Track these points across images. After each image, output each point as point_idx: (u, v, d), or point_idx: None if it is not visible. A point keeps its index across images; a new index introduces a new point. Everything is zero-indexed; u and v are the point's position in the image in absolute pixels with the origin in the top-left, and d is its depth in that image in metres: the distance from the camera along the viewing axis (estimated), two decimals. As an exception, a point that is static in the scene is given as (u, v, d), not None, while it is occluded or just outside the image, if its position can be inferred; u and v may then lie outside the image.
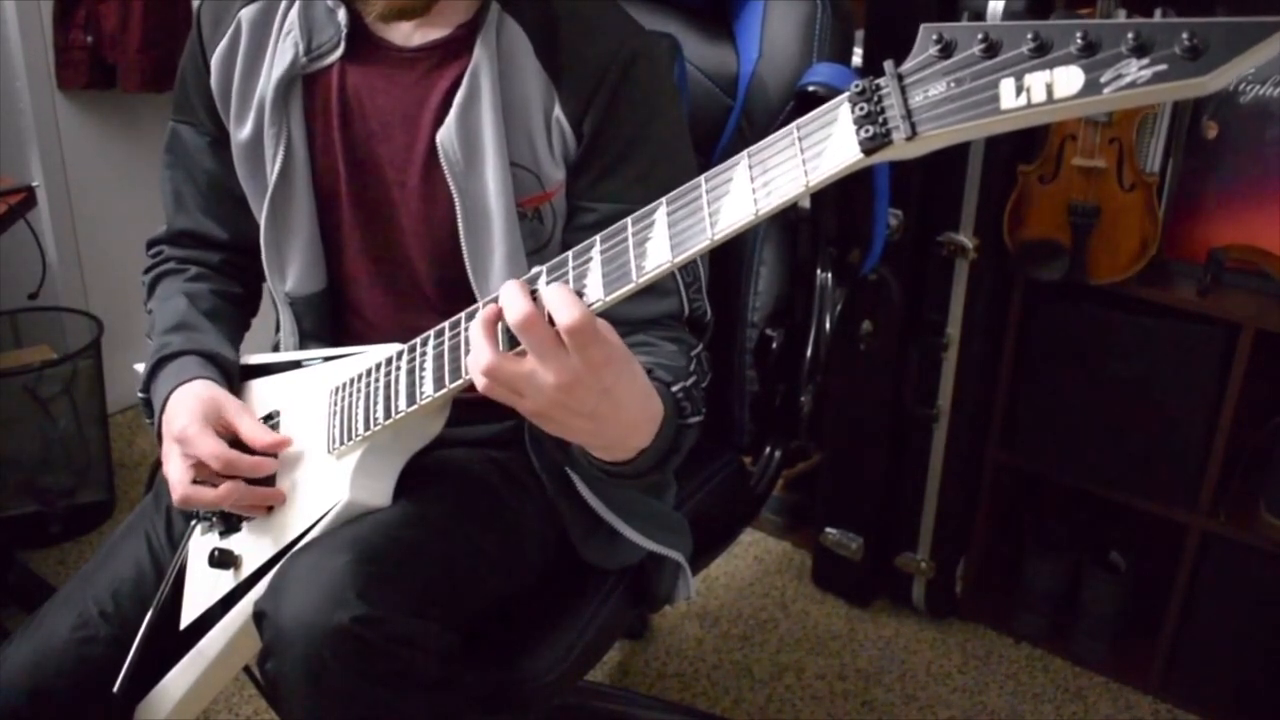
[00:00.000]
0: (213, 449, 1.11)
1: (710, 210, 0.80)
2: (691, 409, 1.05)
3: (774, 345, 1.49)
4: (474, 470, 1.25)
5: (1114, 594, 2.02)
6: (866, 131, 0.71)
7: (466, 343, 0.99)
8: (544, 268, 0.90)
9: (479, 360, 0.89)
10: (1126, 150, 1.75)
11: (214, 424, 1.14)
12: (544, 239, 1.19)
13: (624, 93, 1.14)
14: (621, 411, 0.92)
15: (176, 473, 1.13)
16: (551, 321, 0.84)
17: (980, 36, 0.67)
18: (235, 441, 1.15)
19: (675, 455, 1.03)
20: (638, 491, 1.29)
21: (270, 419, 1.20)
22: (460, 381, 1.01)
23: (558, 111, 1.15)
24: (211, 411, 1.15)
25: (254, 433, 1.14)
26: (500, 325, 0.89)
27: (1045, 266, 1.85)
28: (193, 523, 1.23)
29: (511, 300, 0.85)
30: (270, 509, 1.16)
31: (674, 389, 1.04)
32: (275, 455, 1.16)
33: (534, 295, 0.87)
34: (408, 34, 1.17)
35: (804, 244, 1.51)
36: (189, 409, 1.14)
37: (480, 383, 0.90)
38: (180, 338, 1.23)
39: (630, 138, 1.15)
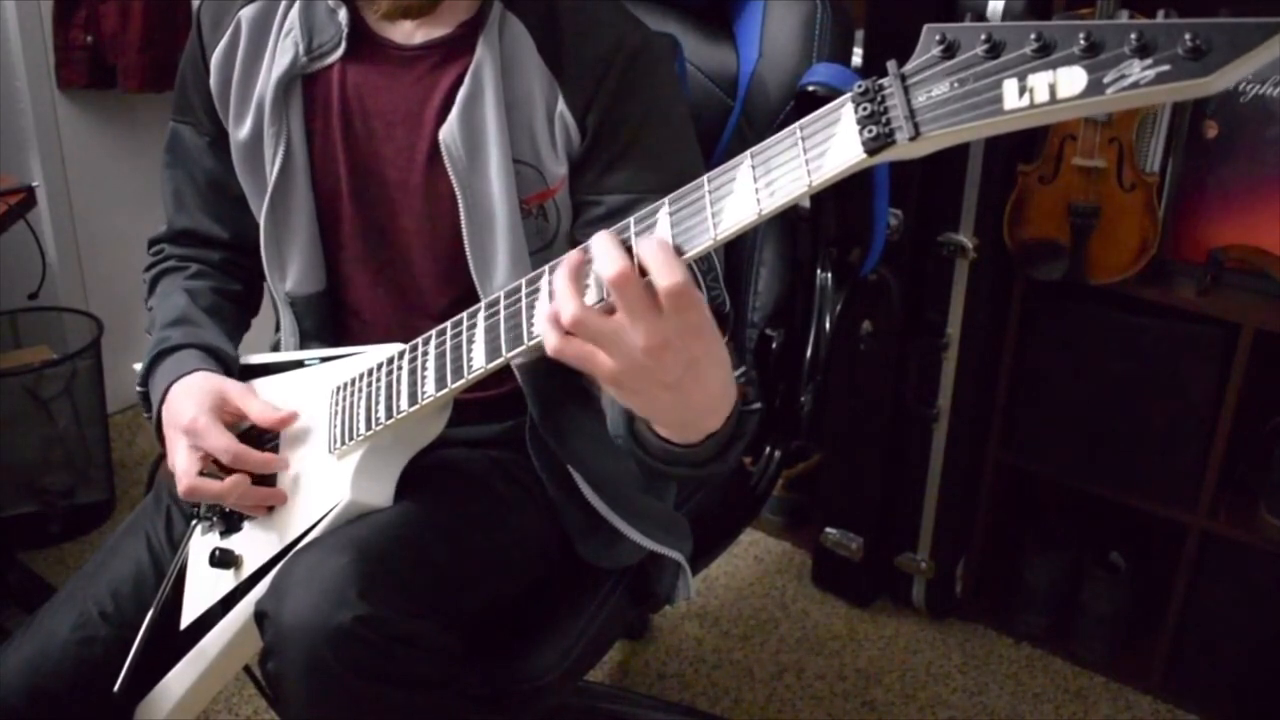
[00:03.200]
0: (224, 443, 1.11)
1: (713, 210, 0.80)
2: (753, 394, 1.00)
3: (774, 345, 1.49)
4: (475, 470, 1.25)
5: (1114, 594, 2.02)
6: (870, 132, 0.71)
7: (469, 338, 0.99)
8: (547, 268, 0.90)
9: (566, 310, 0.81)
10: (1126, 150, 1.75)
11: (220, 414, 1.15)
12: (549, 236, 1.19)
13: (628, 86, 1.14)
14: (704, 386, 0.86)
15: (183, 464, 1.13)
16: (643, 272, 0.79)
17: (983, 37, 0.67)
18: (242, 434, 1.15)
19: (739, 442, 0.97)
20: (642, 492, 1.29)
21: (271, 419, 1.20)
22: (462, 381, 1.01)
23: (561, 106, 1.15)
24: (217, 401, 1.15)
25: (262, 411, 1.15)
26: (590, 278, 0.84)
27: (1045, 266, 1.85)
28: (193, 523, 1.23)
29: (606, 253, 0.79)
30: (271, 509, 1.16)
31: (735, 373, 0.96)
32: (277, 454, 1.16)
33: (627, 248, 0.80)
34: (409, 33, 1.17)
35: (804, 244, 1.51)
36: (195, 400, 1.14)
37: (553, 341, 0.83)
38: (180, 332, 1.23)
39: (635, 129, 1.15)
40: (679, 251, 0.81)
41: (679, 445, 0.93)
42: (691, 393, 0.85)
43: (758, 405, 0.99)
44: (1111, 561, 2.05)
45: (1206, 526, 1.87)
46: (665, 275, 0.78)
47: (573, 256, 0.84)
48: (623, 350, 0.81)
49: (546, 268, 0.90)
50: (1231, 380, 1.79)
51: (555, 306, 0.82)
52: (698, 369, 0.83)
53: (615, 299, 0.80)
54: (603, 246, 0.80)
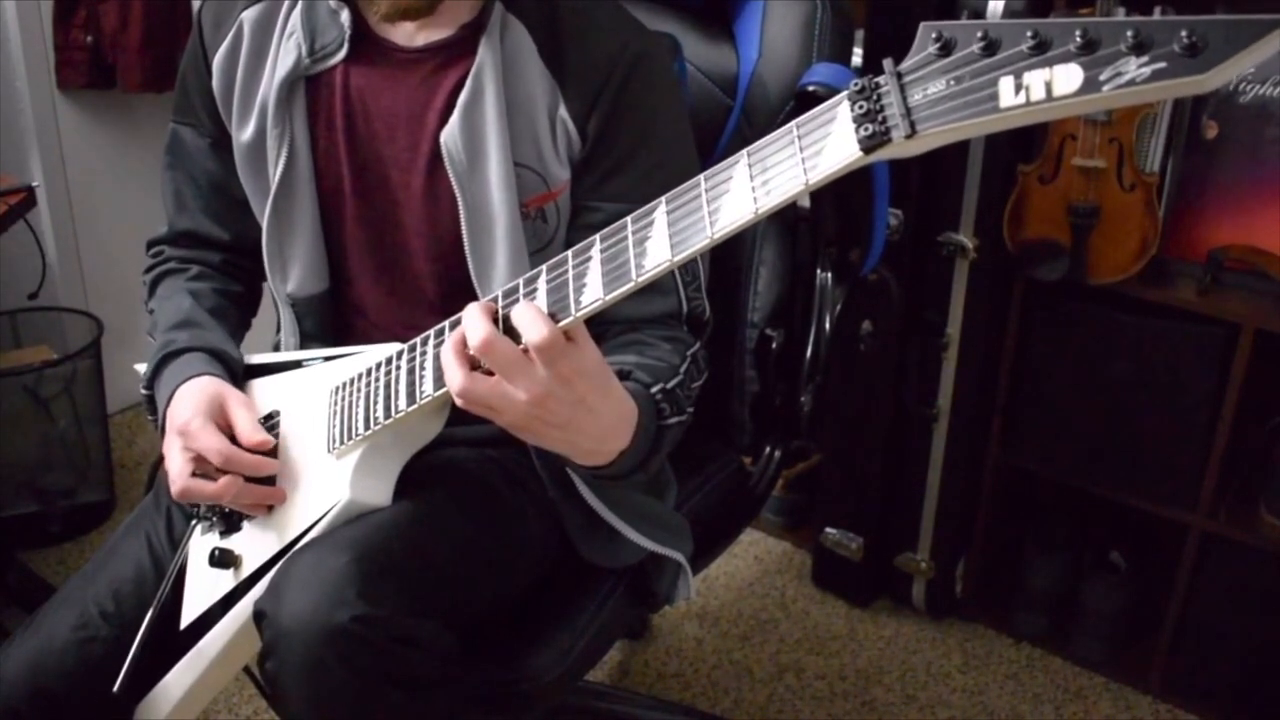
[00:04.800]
0: (213, 444, 1.11)
1: (710, 209, 0.80)
2: (672, 409, 1.06)
3: (774, 345, 1.49)
4: (474, 470, 1.25)
5: (1114, 594, 2.02)
6: (866, 130, 0.71)
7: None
8: (544, 267, 0.91)
9: (451, 382, 0.92)
10: (1126, 150, 1.75)
11: (216, 418, 1.14)
12: (547, 238, 1.19)
13: (629, 92, 1.15)
14: (596, 419, 0.94)
15: (176, 465, 1.13)
16: (519, 339, 0.88)
17: (979, 35, 0.67)
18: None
19: (657, 455, 1.05)
20: (634, 491, 1.29)
21: (270, 419, 1.20)
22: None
23: (562, 111, 1.15)
24: (215, 406, 1.15)
25: (245, 428, 1.14)
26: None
27: (1045, 266, 1.85)
28: (193, 523, 1.23)
29: (472, 325, 0.89)
30: (270, 508, 1.16)
31: (652, 390, 1.04)
32: (274, 455, 1.16)
33: (505, 315, 0.90)
34: (411, 34, 1.17)
35: (804, 244, 1.51)
36: (193, 403, 1.14)
37: (459, 401, 0.93)
38: (186, 335, 1.23)
39: (635, 137, 1.16)
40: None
41: (592, 468, 1.02)
42: (584, 428, 0.94)
43: (675, 420, 1.06)
44: (1111, 561, 2.05)
45: (1206, 526, 1.87)
46: (533, 333, 0.87)
47: (455, 335, 0.92)
48: (511, 405, 0.91)
49: (544, 266, 0.91)
50: (1231, 380, 1.79)
51: (446, 377, 0.92)
52: (585, 405, 0.92)
53: (487, 364, 0.89)
54: (470, 320, 0.89)
